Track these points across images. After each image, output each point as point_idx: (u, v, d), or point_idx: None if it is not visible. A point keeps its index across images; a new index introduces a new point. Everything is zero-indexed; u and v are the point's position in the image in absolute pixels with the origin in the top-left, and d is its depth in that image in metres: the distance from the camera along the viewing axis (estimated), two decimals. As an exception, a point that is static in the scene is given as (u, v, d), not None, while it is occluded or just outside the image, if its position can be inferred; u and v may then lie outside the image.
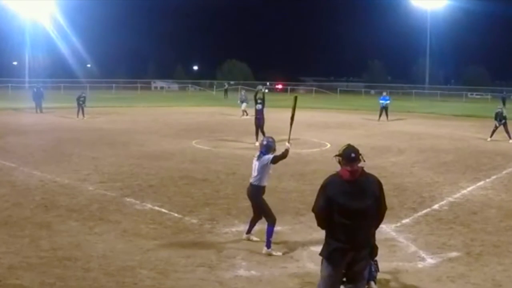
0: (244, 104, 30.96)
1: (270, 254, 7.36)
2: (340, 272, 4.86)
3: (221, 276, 6.58)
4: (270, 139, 7.90)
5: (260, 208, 7.80)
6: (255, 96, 19.24)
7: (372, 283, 6.18)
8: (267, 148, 7.75)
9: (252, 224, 8.05)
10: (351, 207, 4.72)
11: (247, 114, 29.72)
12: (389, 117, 29.65)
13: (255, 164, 7.73)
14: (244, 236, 8.06)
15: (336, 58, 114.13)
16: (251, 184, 7.81)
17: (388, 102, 30.33)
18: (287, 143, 7.77)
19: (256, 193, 7.77)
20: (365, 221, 4.79)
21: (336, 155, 4.97)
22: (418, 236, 8.38)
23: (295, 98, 7.67)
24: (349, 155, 4.85)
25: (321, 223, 4.92)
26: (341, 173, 4.87)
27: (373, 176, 4.98)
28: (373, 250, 4.99)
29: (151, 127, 24.67)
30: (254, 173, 7.74)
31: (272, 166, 7.76)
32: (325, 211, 4.80)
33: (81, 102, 27.96)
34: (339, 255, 4.78)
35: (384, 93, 31.80)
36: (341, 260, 4.81)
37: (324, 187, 4.87)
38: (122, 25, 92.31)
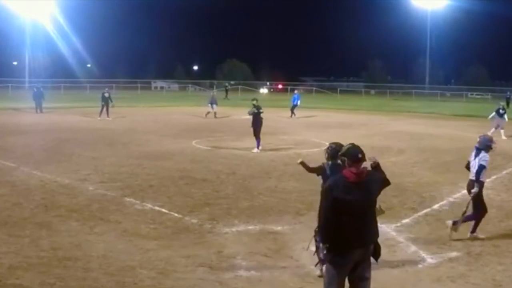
0: (214, 106, 30.08)
1: (476, 238, 8.09)
2: (346, 272, 4.74)
3: (221, 276, 6.58)
4: (487, 137, 8.53)
5: (477, 200, 8.18)
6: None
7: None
8: (482, 144, 8.34)
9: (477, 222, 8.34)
10: (358, 207, 4.59)
11: (213, 116, 29.49)
12: (388, 117, 29.60)
13: (474, 161, 8.24)
14: (469, 235, 8.25)
15: (336, 58, 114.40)
16: (471, 180, 8.24)
17: (297, 102, 30.23)
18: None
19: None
20: (372, 218, 4.77)
21: (340, 155, 4.82)
22: (418, 236, 8.36)
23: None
24: (356, 156, 4.64)
25: (327, 228, 4.66)
26: (346, 175, 4.65)
27: (377, 173, 4.93)
28: (377, 249, 4.89)
29: (151, 127, 24.66)
30: (474, 169, 8.19)
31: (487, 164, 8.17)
32: (332, 214, 4.60)
33: (104, 103, 27.54)
34: (343, 256, 4.66)
35: (296, 91, 31.98)
36: (344, 262, 4.69)
37: (329, 189, 4.67)
38: (122, 25, 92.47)
